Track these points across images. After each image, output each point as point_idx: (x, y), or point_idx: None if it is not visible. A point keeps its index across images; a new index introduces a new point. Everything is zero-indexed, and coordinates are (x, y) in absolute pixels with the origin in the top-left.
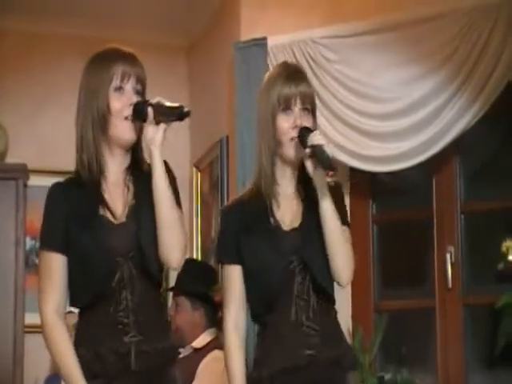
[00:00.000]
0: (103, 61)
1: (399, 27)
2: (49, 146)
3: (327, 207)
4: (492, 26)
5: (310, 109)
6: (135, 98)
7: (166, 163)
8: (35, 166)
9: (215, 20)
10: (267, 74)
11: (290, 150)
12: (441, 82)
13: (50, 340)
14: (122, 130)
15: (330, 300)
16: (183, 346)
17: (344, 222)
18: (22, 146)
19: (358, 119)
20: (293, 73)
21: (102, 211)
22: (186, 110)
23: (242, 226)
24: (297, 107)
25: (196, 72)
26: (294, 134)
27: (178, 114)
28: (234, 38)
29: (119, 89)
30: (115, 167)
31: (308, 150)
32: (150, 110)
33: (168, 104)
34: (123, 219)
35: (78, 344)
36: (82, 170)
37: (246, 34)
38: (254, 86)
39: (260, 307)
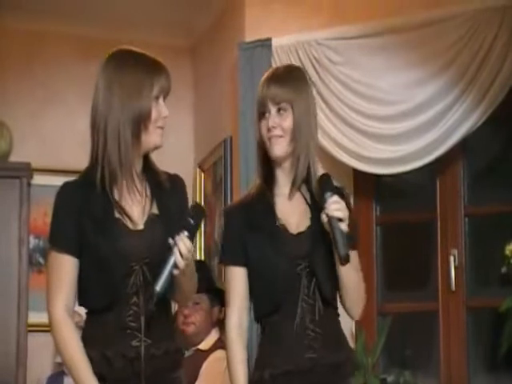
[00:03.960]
0: (142, 66)
1: (404, 30)
2: (52, 144)
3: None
4: (497, 30)
5: (289, 107)
6: (167, 111)
7: (182, 181)
8: (39, 164)
9: (220, 20)
10: None
11: (271, 150)
12: (445, 84)
13: (59, 338)
14: (155, 136)
15: (334, 305)
16: (187, 348)
17: (352, 242)
18: (26, 144)
19: (362, 121)
20: (270, 76)
21: (117, 214)
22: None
23: (246, 226)
24: (272, 109)
25: (200, 72)
26: (270, 134)
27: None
28: (238, 38)
29: (156, 98)
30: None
31: (324, 217)
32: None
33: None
34: (141, 226)
35: (86, 345)
36: (109, 166)
37: (251, 34)
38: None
39: (265, 308)
